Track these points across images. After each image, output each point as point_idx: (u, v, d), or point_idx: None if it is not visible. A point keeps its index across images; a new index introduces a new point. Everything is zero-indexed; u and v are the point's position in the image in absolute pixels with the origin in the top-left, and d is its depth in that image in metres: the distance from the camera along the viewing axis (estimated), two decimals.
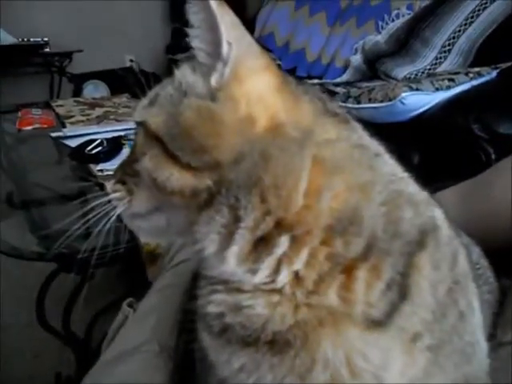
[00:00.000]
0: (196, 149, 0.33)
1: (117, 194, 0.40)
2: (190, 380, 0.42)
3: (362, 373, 0.31)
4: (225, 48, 0.33)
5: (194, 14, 0.34)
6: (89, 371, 0.51)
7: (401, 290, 0.33)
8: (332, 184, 0.33)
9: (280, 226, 0.33)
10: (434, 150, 1.35)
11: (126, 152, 1.46)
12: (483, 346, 0.37)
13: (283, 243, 0.33)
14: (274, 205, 0.32)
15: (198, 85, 0.35)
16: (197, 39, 0.35)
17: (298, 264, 0.33)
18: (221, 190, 0.33)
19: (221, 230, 0.33)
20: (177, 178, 0.34)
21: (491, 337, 0.43)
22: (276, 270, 0.33)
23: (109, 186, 0.46)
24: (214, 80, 0.34)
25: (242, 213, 0.33)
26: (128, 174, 0.39)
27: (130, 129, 1.69)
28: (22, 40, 3.33)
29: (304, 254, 0.33)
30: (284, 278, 0.33)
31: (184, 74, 0.37)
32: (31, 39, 3.36)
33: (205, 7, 0.33)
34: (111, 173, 1.35)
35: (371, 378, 0.31)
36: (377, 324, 0.32)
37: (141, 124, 0.38)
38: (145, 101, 0.41)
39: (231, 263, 0.34)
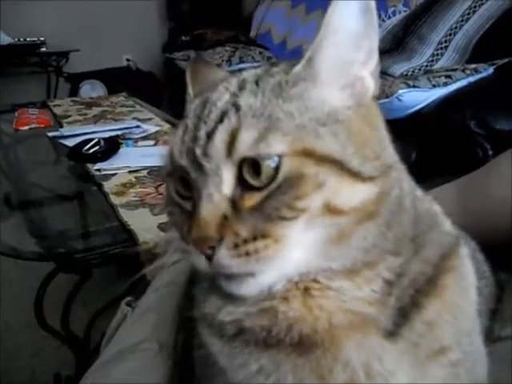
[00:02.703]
0: (370, 156, 0.32)
1: (262, 252, 0.30)
2: (188, 378, 0.42)
3: (376, 376, 0.32)
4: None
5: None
6: (88, 370, 0.51)
7: (414, 304, 0.34)
8: None
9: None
10: (431, 146, 1.35)
11: (123, 151, 1.46)
12: (482, 346, 0.38)
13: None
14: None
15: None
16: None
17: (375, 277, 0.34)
18: (383, 200, 0.33)
19: (368, 246, 0.33)
20: (357, 194, 0.31)
21: (488, 332, 0.43)
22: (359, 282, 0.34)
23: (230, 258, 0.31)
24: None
25: (384, 229, 0.33)
26: (273, 221, 0.30)
27: (126, 128, 1.69)
28: (19, 40, 3.33)
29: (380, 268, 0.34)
30: (353, 286, 0.33)
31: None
32: (28, 39, 3.36)
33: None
34: (109, 172, 1.36)
35: (383, 381, 0.32)
36: (390, 334, 0.33)
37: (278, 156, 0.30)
38: (258, 134, 0.30)
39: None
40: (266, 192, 0.30)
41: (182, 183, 0.34)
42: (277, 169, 0.30)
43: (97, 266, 1.06)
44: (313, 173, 0.30)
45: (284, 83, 0.33)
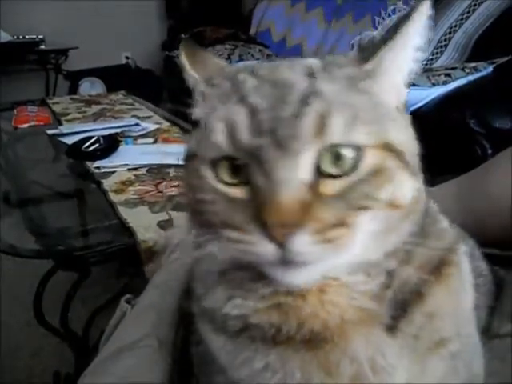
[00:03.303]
0: (415, 151, 0.35)
1: (339, 240, 0.30)
2: (188, 375, 0.42)
3: (381, 370, 0.32)
4: None
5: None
6: (87, 368, 0.51)
7: (413, 297, 0.34)
8: None
9: None
10: (431, 144, 1.35)
11: (122, 149, 1.46)
12: (478, 340, 0.38)
13: None
14: None
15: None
16: None
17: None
18: (421, 194, 0.35)
19: (401, 239, 0.33)
20: (411, 189, 0.33)
21: (487, 329, 0.43)
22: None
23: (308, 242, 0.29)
24: None
25: (415, 223, 0.34)
26: (352, 209, 0.30)
27: (126, 126, 1.69)
28: (18, 37, 3.32)
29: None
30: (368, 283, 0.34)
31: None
32: (27, 36, 3.36)
33: None
34: (108, 170, 1.36)
35: (387, 375, 0.32)
36: (389, 328, 0.33)
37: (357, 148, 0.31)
38: (344, 120, 0.30)
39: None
40: (347, 180, 0.30)
41: (228, 169, 0.32)
42: (357, 158, 0.30)
43: (96, 263, 1.06)
44: (391, 166, 0.32)
45: (355, 76, 0.33)
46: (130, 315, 0.59)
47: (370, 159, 0.31)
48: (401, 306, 0.33)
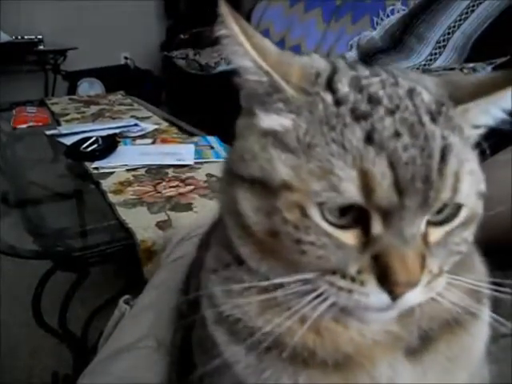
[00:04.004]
0: None
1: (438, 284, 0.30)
2: (187, 375, 0.42)
3: None
4: None
5: None
6: (86, 368, 0.51)
7: (440, 329, 0.34)
8: None
9: None
10: None
11: (121, 149, 1.46)
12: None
13: None
14: None
15: None
16: None
17: None
18: None
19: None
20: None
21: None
22: None
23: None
24: None
25: None
26: (452, 255, 0.31)
27: (124, 126, 1.69)
28: (17, 38, 3.32)
29: None
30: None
31: None
32: (25, 37, 3.35)
33: None
34: (107, 170, 1.35)
35: None
36: (410, 353, 0.33)
37: None
38: None
39: None
40: (449, 227, 0.30)
41: (336, 209, 0.29)
42: (460, 205, 0.30)
43: (95, 264, 1.06)
44: (480, 209, 0.32)
45: (460, 124, 0.31)
46: (129, 316, 0.59)
47: (471, 206, 0.31)
48: (426, 334, 0.33)
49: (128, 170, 1.31)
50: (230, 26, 0.34)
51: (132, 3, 3.62)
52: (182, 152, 1.42)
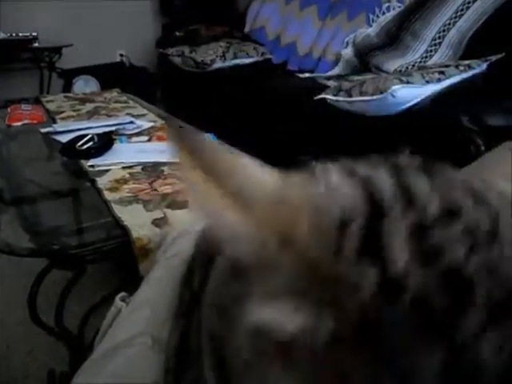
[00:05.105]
0: None
1: None
2: (184, 370, 0.42)
3: None
4: None
5: None
6: (82, 366, 0.51)
7: None
8: None
9: None
10: (425, 142, 1.36)
11: (117, 147, 1.46)
12: None
13: None
14: None
15: None
16: None
17: None
18: None
19: None
20: None
21: None
22: None
23: None
24: None
25: None
26: None
27: (120, 124, 1.68)
28: (11, 35, 3.30)
29: None
30: None
31: None
32: (20, 34, 3.33)
33: None
34: (102, 168, 1.35)
35: None
36: None
37: None
38: None
39: None
40: None
41: None
42: None
43: (91, 262, 1.06)
44: None
45: None
46: (125, 312, 0.60)
47: None
48: None
49: (124, 168, 1.31)
50: (186, 174, 0.21)
51: (127, 0, 3.61)
52: None
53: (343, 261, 0.17)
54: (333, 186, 0.21)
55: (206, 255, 0.41)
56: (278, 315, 0.18)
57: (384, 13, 2.50)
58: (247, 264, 0.20)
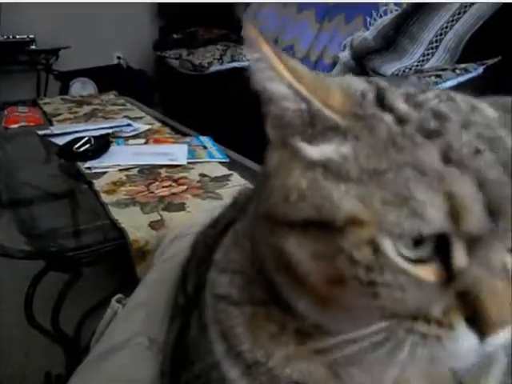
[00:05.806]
0: None
1: None
2: (181, 372, 0.42)
3: None
4: None
5: None
6: (78, 367, 0.51)
7: None
8: None
9: None
10: None
11: (114, 149, 1.46)
12: None
13: None
14: None
15: None
16: None
17: None
18: None
19: None
20: None
21: None
22: None
23: None
24: None
25: None
26: None
27: (117, 126, 1.68)
28: (8, 37, 3.29)
29: None
30: None
31: None
32: (17, 36, 3.33)
33: None
34: (99, 170, 1.35)
35: None
36: None
37: None
38: None
39: None
40: None
41: (410, 241, 0.25)
42: None
43: (87, 264, 1.06)
44: None
45: None
46: (121, 314, 0.60)
47: None
48: None
49: (121, 170, 1.31)
50: (262, 49, 0.28)
51: (125, 2, 3.61)
52: (175, 152, 1.42)
53: (370, 109, 0.28)
54: (347, 78, 0.32)
55: (200, 258, 0.41)
56: (332, 150, 0.28)
57: (381, 16, 2.50)
58: (298, 121, 0.29)
